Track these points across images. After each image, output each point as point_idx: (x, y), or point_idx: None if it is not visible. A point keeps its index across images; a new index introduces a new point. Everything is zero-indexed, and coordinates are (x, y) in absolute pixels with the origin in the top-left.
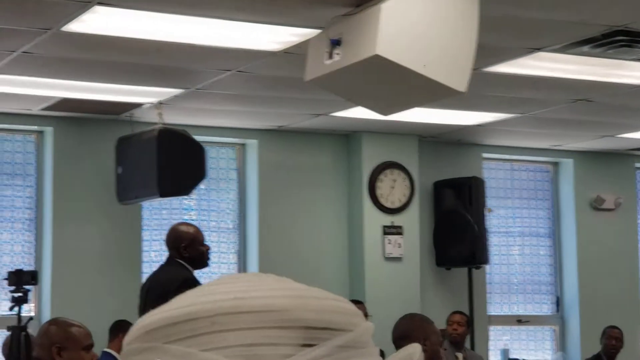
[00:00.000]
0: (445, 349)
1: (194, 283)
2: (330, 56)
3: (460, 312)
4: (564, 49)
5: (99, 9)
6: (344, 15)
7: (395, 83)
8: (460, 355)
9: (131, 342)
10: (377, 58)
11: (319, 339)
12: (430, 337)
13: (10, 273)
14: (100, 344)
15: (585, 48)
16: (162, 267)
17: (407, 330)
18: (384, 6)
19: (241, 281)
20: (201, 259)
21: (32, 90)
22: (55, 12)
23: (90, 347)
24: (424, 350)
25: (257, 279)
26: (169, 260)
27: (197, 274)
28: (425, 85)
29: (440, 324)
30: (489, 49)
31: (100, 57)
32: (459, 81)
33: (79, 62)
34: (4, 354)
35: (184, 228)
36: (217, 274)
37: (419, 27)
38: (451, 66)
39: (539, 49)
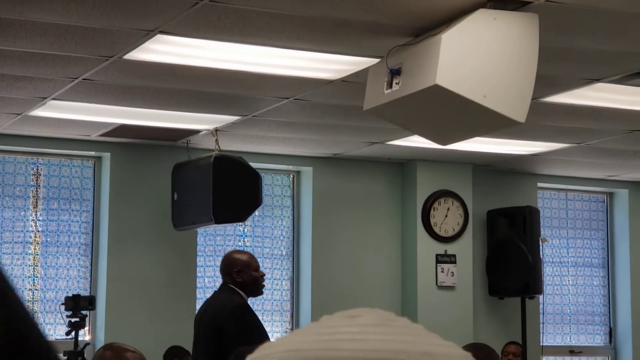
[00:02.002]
0: None
1: (246, 309)
2: (390, 86)
3: (516, 343)
4: (622, 80)
5: (161, 38)
6: (404, 45)
7: (455, 113)
8: None
9: None
10: (437, 88)
11: None
12: None
13: (67, 298)
14: None
15: None
16: (214, 294)
17: None
18: (444, 36)
19: (407, 330)
20: (255, 285)
21: (91, 117)
22: (118, 40)
23: None
24: None
25: (409, 328)
26: (222, 286)
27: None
28: (485, 116)
29: None
30: (548, 79)
31: (160, 84)
32: (519, 112)
33: (139, 90)
34: None
35: (236, 254)
36: (270, 300)
37: (479, 57)
38: (511, 97)
39: (597, 80)
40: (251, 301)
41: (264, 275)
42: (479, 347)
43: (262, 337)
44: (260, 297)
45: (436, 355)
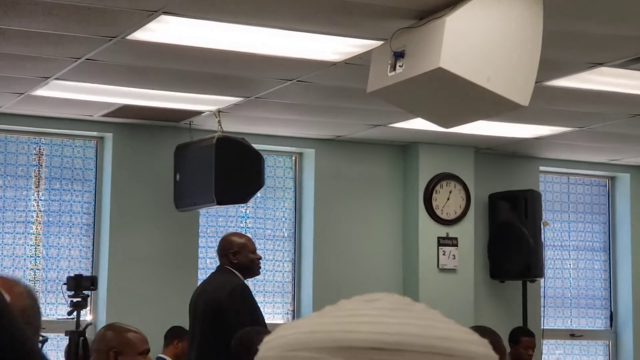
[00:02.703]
0: None
1: (244, 290)
2: (393, 68)
3: (530, 334)
4: (625, 64)
5: (164, 18)
6: (408, 28)
7: (458, 96)
8: None
9: (306, 350)
10: (441, 71)
11: None
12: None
13: (69, 278)
14: (155, 349)
15: None
16: (212, 275)
17: None
18: (448, 19)
19: (425, 314)
20: (251, 266)
21: (93, 97)
22: (121, 21)
23: (146, 352)
24: None
25: (426, 312)
26: (219, 268)
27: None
28: (488, 99)
29: None
30: (551, 63)
31: (163, 65)
32: (522, 95)
33: (142, 70)
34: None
35: (234, 236)
36: (271, 282)
37: (483, 40)
38: (514, 80)
39: (600, 64)
40: (252, 282)
41: (260, 257)
42: (484, 331)
43: (259, 317)
44: (262, 278)
45: (453, 341)
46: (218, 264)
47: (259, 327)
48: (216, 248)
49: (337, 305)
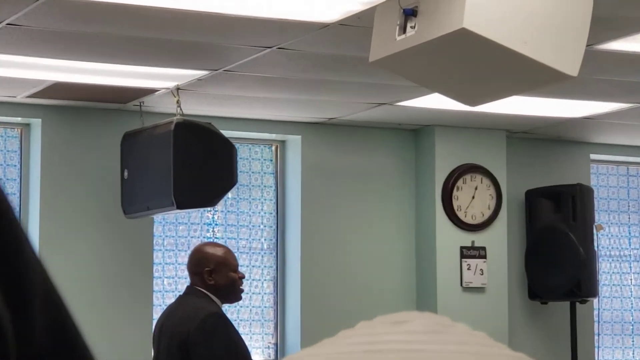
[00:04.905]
0: None
1: (218, 320)
2: (403, 30)
3: None
4: None
5: None
6: None
7: (487, 65)
8: None
9: None
10: (464, 33)
11: None
12: None
13: None
14: None
15: None
16: (179, 299)
17: None
18: None
19: (469, 338)
20: (231, 288)
21: (17, 72)
22: None
23: None
24: None
25: (470, 336)
26: (189, 289)
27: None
28: (526, 68)
29: None
30: (604, 21)
31: (104, 30)
32: (570, 63)
33: (77, 37)
34: None
35: (210, 249)
36: (247, 307)
37: None
38: (559, 44)
39: None
40: (224, 308)
41: (243, 277)
42: None
43: (240, 354)
44: (237, 303)
45: None
46: (178, 285)
47: None
48: (179, 264)
49: (355, 330)
